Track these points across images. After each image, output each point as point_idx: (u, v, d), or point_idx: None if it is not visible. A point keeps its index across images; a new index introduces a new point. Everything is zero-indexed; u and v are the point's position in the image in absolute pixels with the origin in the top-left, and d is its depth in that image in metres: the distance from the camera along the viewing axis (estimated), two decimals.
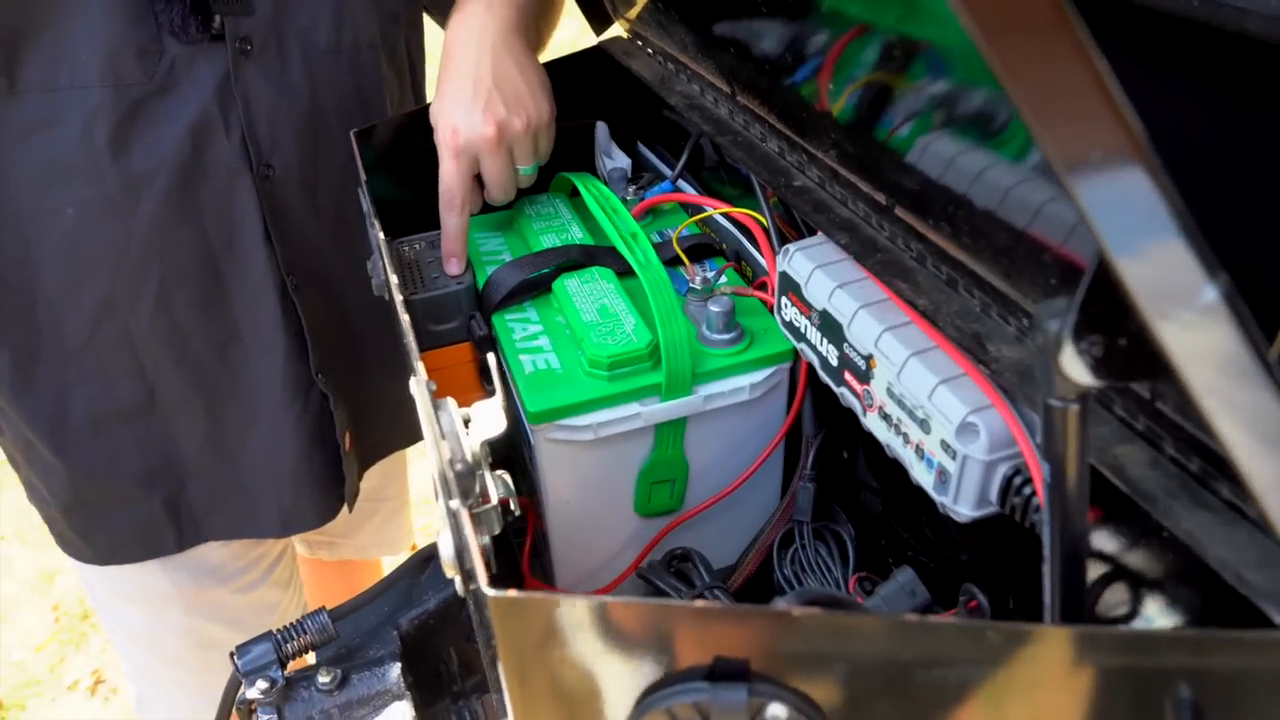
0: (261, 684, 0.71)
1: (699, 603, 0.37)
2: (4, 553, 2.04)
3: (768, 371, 0.69)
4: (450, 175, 0.76)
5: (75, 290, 0.82)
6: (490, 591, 0.39)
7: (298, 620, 0.73)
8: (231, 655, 0.71)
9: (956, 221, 0.52)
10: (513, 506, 0.60)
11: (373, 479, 1.07)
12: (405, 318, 0.56)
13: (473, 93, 0.74)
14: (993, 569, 0.63)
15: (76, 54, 0.73)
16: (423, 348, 0.77)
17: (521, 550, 0.81)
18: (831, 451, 0.74)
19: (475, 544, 0.41)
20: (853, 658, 0.40)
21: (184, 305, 0.84)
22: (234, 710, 0.74)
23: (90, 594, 1.05)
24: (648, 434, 0.69)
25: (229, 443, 0.92)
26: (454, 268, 0.77)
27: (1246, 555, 0.38)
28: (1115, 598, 0.47)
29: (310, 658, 0.74)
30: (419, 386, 0.52)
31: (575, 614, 0.40)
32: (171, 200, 0.79)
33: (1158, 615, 0.45)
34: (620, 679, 0.41)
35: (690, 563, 0.73)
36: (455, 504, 0.45)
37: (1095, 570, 0.46)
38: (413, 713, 0.68)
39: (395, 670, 0.73)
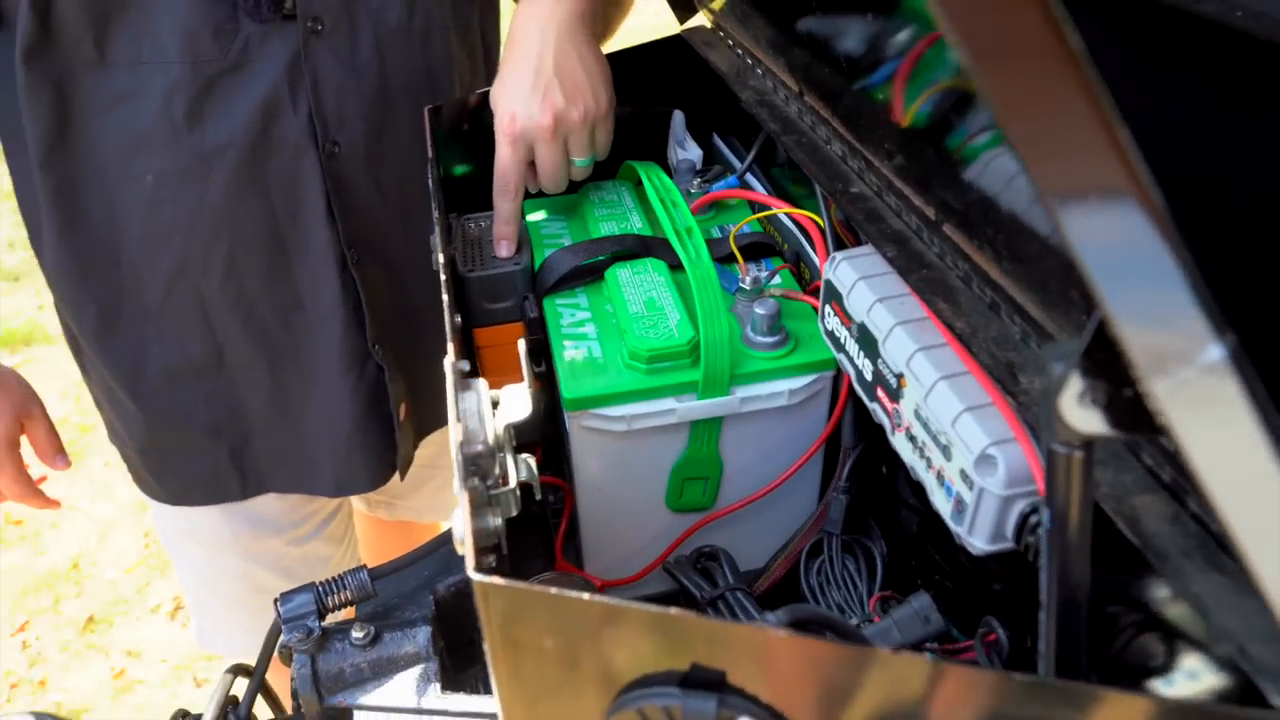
0: (299, 632, 0.74)
1: (673, 610, 0.37)
2: (105, 478, 2.18)
3: (809, 379, 0.68)
4: (506, 161, 0.77)
5: (153, 253, 0.86)
6: (475, 575, 0.40)
7: (339, 576, 0.75)
8: (275, 602, 0.75)
9: (1001, 244, 0.50)
10: (535, 491, 0.61)
11: (431, 447, 1.10)
12: (446, 296, 0.58)
13: (533, 80, 0.75)
14: (1022, 602, 0.61)
15: (159, 30, 0.77)
16: (477, 324, 0.79)
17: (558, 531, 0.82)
18: (871, 465, 0.72)
19: (469, 525, 0.42)
20: (830, 683, 0.40)
21: (251, 273, 0.88)
22: (276, 653, 0.78)
23: (161, 530, 1.12)
24: (683, 430, 0.69)
25: (290, 405, 0.95)
26: (504, 250, 0.78)
27: (1254, 626, 0.36)
28: (1126, 653, 0.45)
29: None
30: (448, 365, 0.53)
31: (555, 607, 0.40)
32: (241, 173, 0.83)
33: (1164, 676, 0.43)
34: (599, 673, 0.42)
35: (716, 562, 0.73)
36: (457, 484, 0.46)
37: (1100, 621, 0.44)
38: (419, 677, 0.70)
39: (425, 633, 0.75)
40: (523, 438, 0.79)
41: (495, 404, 0.58)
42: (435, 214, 0.66)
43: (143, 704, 1.74)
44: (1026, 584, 0.60)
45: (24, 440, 1.00)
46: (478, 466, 0.55)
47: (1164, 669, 0.46)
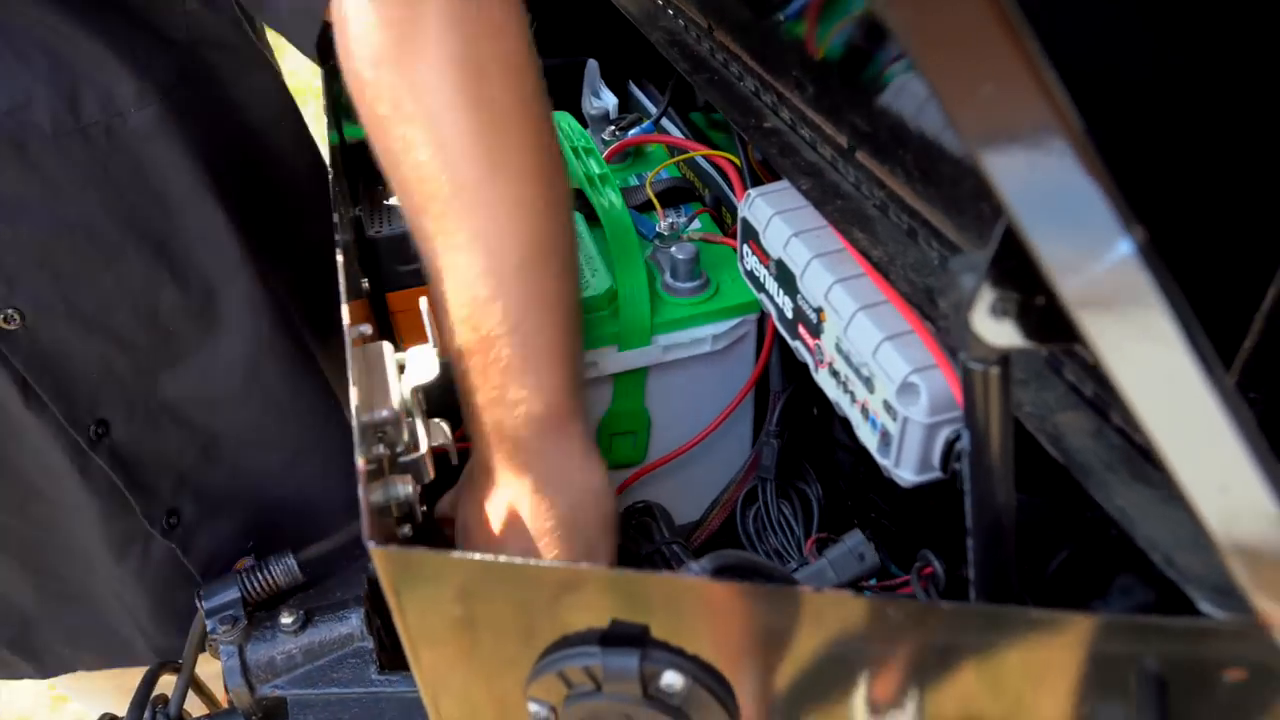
0: (224, 624, 0.71)
1: (585, 565, 0.35)
2: None
3: (732, 323, 0.66)
4: None
5: None
6: (371, 544, 0.37)
7: (263, 561, 0.72)
8: (198, 595, 0.71)
9: (915, 167, 0.49)
10: (452, 456, 0.58)
11: None
12: (341, 257, 0.54)
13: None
14: (959, 533, 0.60)
15: None
16: (390, 288, 0.76)
17: None
18: (802, 408, 0.71)
19: (365, 496, 0.40)
20: (758, 629, 0.38)
21: None
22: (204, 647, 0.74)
23: None
24: (606, 385, 0.67)
25: (69, 588, 0.80)
26: None
27: (1180, 535, 0.35)
28: (1059, 575, 0.44)
29: None
30: (345, 332, 0.50)
31: (463, 572, 0.38)
32: None
33: (1097, 595, 0.42)
34: (513, 638, 0.40)
35: (652, 517, 0.71)
36: (359, 456, 0.43)
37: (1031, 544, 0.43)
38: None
39: (359, 614, 0.73)
40: None
41: (402, 368, 0.55)
42: (331, 181, 0.62)
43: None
44: (962, 514, 0.60)
45: None
46: (384, 433, 0.52)
47: (1097, 588, 0.46)
